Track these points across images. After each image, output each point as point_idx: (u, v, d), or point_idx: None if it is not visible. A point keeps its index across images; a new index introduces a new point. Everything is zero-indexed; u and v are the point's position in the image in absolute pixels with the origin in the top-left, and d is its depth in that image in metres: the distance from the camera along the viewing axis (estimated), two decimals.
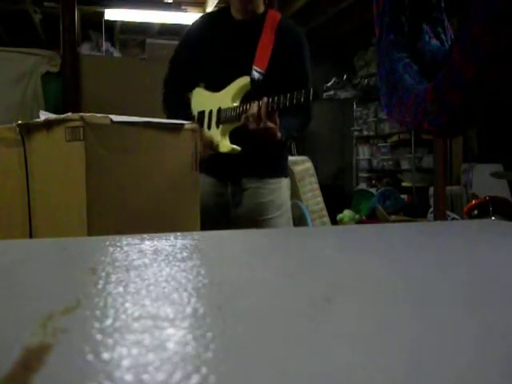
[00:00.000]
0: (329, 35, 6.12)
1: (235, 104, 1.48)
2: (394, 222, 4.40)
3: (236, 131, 1.48)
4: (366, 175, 6.78)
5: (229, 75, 1.49)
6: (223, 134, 1.51)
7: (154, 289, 0.35)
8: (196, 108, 1.62)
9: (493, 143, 4.29)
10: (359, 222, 4.94)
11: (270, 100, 1.34)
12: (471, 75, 0.80)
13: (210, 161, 1.48)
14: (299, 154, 4.06)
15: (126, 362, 0.22)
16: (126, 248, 0.50)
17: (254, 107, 1.36)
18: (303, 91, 1.29)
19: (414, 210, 4.98)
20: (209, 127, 1.55)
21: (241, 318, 0.30)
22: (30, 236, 1.04)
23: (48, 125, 0.99)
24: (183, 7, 4.42)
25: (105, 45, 5.52)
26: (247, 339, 0.26)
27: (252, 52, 1.51)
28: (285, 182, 1.61)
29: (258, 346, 0.25)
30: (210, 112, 1.56)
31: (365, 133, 6.79)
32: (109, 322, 0.28)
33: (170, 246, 0.51)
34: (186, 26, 2.49)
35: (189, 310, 0.30)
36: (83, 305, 0.31)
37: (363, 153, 6.91)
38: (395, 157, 6.26)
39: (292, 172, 2.95)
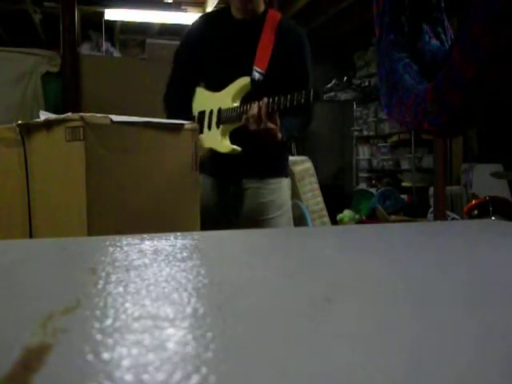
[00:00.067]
0: (329, 35, 6.12)
1: (235, 104, 1.48)
2: (394, 221, 4.40)
3: (236, 131, 1.48)
4: (366, 175, 6.78)
5: (229, 75, 1.49)
6: (223, 135, 1.51)
7: (153, 289, 0.35)
8: (196, 108, 1.62)
9: (493, 143, 4.29)
10: (359, 221, 4.94)
11: (271, 100, 1.34)
12: (471, 75, 0.80)
13: (211, 161, 1.48)
14: (299, 154, 4.05)
15: (125, 362, 0.22)
16: (125, 248, 0.50)
17: (254, 108, 1.36)
18: (303, 92, 1.29)
19: (414, 210, 4.98)
20: (209, 127, 1.55)
21: (241, 318, 0.30)
22: (30, 236, 1.04)
23: (48, 125, 0.99)
24: (183, 7, 4.43)
25: (105, 45, 5.52)
26: (247, 339, 0.26)
27: (252, 52, 1.51)
28: (285, 182, 1.61)
29: (258, 345, 0.25)
30: (211, 112, 1.56)
31: (365, 133, 6.79)
32: (109, 322, 0.28)
33: (169, 246, 0.51)
34: (186, 26, 2.49)
35: (189, 310, 0.30)
36: (83, 305, 0.31)
37: (363, 153, 6.92)
38: (395, 157, 6.26)
39: (292, 172, 2.95)
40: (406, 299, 0.35)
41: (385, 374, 0.22)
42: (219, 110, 1.52)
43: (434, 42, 1.05)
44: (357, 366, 0.23)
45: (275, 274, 0.42)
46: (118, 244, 0.52)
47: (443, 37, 1.06)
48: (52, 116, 1.01)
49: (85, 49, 5.32)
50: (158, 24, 5.48)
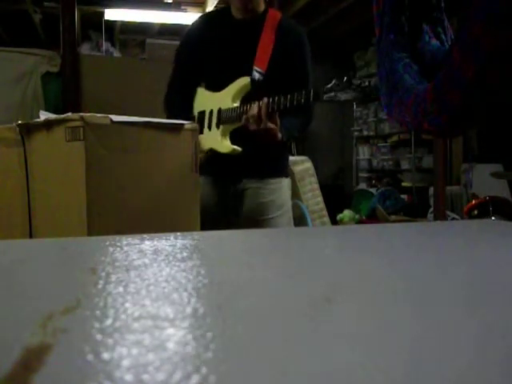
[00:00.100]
0: (329, 35, 6.13)
1: (235, 104, 1.47)
2: (394, 221, 4.40)
3: (236, 132, 1.48)
4: (366, 175, 6.78)
5: (229, 75, 1.49)
6: (223, 135, 1.51)
7: (153, 289, 0.35)
8: (196, 108, 1.62)
9: (493, 143, 4.29)
10: (359, 221, 4.94)
11: (271, 100, 1.34)
12: (471, 75, 0.80)
13: (211, 161, 1.48)
14: (299, 154, 4.05)
15: (125, 362, 0.22)
16: (126, 248, 0.50)
17: (254, 108, 1.36)
18: (303, 92, 1.29)
19: (414, 210, 4.98)
20: (209, 127, 1.55)
21: (241, 318, 0.30)
22: (30, 236, 1.04)
23: (48, 125, 0.99)
24: (183, 7, 4.43)
25: (105, 45, 5.52)
26: (247, 339, 0.26)
27: (252, 51, 1.51)
28: (285, 182, 1.61)
29: (258, 345, 0.25)
30: (211, 112, 1.56)
31: (365, 133, 6.79)
32: (109, 322, 0.28)
33: (169, 246, 0.51)
34: (186, 26, 2.49)
35: (189, 310, 0.30)
36: (83, 305, 0.31)
37: (363, 153, 6.92)
38: (395, 157, 6.26)
39: (292, 172, 2.95)
40: (406, 299, 0.35)
41: (385, 374, 0.22)
42: (219, 110, 1.52)
43: (434, 41, 1.05)
44: (357, 366, 0.23)
45: (275, 274, 0.42)
46: (118, 244, 0.52)
47: (443, 37, 1.06)
48: (52, 116, 1.01)
49: (85, 49, 5.32)
50: (157, 24, 5.48)
